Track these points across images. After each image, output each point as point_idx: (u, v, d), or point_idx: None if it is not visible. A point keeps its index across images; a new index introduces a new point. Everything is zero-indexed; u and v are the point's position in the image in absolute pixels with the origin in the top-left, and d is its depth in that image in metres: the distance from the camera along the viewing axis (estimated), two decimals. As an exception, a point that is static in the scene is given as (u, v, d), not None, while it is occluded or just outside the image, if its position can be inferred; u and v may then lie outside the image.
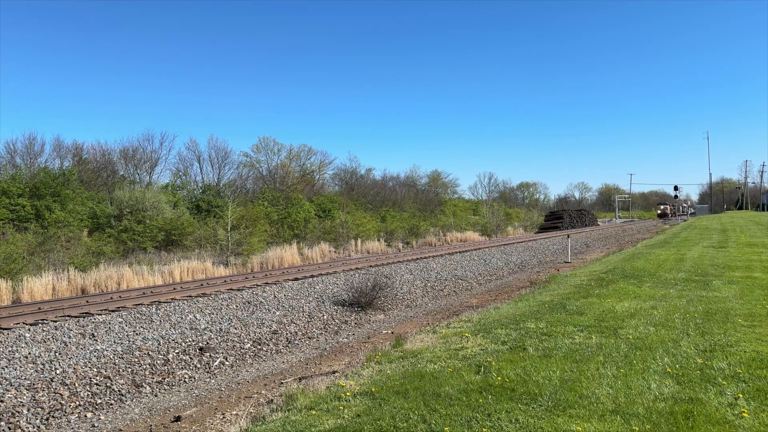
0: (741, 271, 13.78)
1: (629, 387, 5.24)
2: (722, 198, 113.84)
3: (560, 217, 55.26)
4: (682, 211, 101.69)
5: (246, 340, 10.87)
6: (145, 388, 8.45)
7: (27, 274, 16.68)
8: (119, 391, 8.18)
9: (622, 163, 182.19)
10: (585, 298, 10.65)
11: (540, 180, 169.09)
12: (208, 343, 10.38)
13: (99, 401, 7.82)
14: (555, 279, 15.20)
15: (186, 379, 8.97)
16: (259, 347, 10.71)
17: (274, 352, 10.63)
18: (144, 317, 11.12)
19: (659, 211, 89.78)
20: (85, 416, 7.42)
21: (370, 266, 19.61)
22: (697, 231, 35.09)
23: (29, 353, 8.73)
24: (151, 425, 7.00)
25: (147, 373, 8.87)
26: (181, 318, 11.40)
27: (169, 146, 63.28)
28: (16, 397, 7.42)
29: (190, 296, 13.37)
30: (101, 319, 10.65)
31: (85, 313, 11.36)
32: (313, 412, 5.20)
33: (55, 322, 10.45)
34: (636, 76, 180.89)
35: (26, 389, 7.66)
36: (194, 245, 27.30)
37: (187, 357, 9.68)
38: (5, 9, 72.41)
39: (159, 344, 9.89)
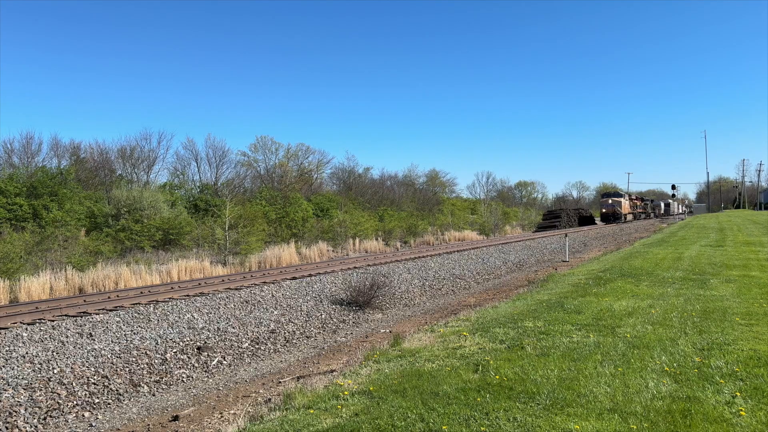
0: (738, 269, 13.80)
1: (627, 385, 5.25)
2: (720, 197, 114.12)
3: (558, 216, 55.27)
4: (666, 211, 79.21)
5: (244, 340, 10.85)
6: (143, 387, 8.44)
7: (24, 273, 16.63)
8: (117, 390, 8.17)
9: (620, 162, 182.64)
10: (583, 297, 10.66)
11: (538, 179, 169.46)
12: (206, 342, 10.37)
13: (97, 401, 7.81)
14: (553, 278, 15.21)
15: (184, 379, 8.96)
16: (257, 346, 10.70)
17: (272, 351, 10.62)
18: (142, 317, 11.10)
19: (603, 210, 58.86)
20: (83, 416, 7.41)
21: (368, 265, 19.60)
22: (695, 230, 35.16)
23: (27, 353, 8.71)
24: (149, 424, 7.00)
25: (145, 372, 8.86)
26: (179, 317, 11.38)
27: (167, 145, 63.02)
28: (13, 397, 7.40)
29: (187, 295, 13.34)
30: (99, 319, 10.63)
31: (83, 312, 11.33)
32: (312, 411, 5.20)
33: (53, 321, 10.42)
34: (634, 76, 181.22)
35: (24, 389, 7.64)
36: (192, 244, 27.25)
37: (185, 356, 9.66)
38: (4, 9, 72.20)
39: (157, 344, 9.87)
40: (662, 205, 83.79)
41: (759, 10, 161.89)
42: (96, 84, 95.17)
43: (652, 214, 75.87)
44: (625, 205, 58.88)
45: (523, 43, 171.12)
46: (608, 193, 62.71)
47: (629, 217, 60.89)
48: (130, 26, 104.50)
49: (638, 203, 68.96)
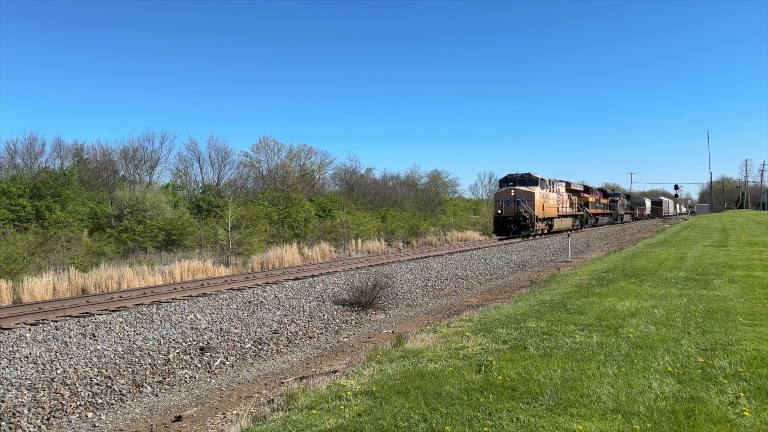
0: (742, 269, 13.76)
1: (630, 386, 5.24)
2: (723, 197, 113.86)
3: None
4: (654, 211, 60.14)
5: (247, 340, 10.86)
6: (146, 387, 8.45)
7: (27, 274, 16.67)
8: (120, 390, 8.18)
9: (622, 162, 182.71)
10: (586, 297, 10.63)
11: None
12: (208, 342, 10.38)
13: (100, 401, 7.82)
14: (555, 278, 15.18)
15: (187, 379, 8.97)
16: (259, 347, 10.71)
17: (274, 351, 10.63)
18: (144, 317, 11.12)
19: (498, 211, 31.31)
20: (86, 416, 7.42)
21: (371, 266, 19.60)
22: (698, 230, 35.08)
23: (30, 353, 8.73)
24: (152, 425, 7.00)
25: (148, 372, 8.87)
26: (182, 318, 11.39)
27: (170, 146, 63.37)
28: (17, 397, 7.42)
29: (190, 296, 13.36)
30: (102, 319, 10.65)
31: (86, 313, 11.35)
32: (314, 412, 5.20)
33: (56, 322, 10.45)
34: (636, 77, 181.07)
35: (27, 389, 7.65)
36: (195, 245, 27.29)
37: (188, 357, 9.67)
38: (5, 9, 72.40)
39: (159, 344, 9.88)
40: (648, 203, 61.88)
41: (759, 10, 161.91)
42: (99, 85, 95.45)
43: (627, 216, 52.43)
44: (549, 201, 31.93)
45: (525, 43, 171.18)
46: (511, 178, 31.71)
47: (563, 222, 33.70)
48: (133, 27, 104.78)
49: (591, 199, 40.93)
